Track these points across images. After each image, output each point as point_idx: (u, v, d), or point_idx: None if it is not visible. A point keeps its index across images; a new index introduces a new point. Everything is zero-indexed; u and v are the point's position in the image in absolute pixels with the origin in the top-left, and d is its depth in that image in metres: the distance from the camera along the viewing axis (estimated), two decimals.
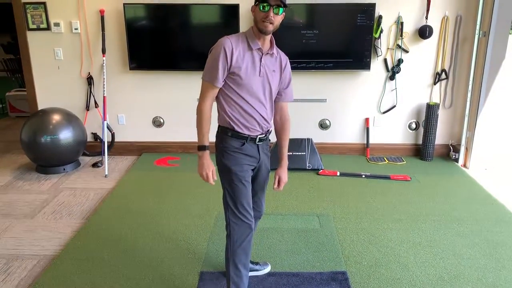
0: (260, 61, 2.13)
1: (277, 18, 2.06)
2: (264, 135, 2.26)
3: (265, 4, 2.02)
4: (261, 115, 2.19)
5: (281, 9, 2.05)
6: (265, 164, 2.35)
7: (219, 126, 2.26)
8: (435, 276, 2.67)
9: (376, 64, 4.52)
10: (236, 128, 2.17)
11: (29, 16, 4.41)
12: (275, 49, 2.21)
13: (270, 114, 2.27)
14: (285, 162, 2.38)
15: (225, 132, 2.20)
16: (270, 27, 2.06)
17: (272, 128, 2.35)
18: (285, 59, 2.28)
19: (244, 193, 2.20)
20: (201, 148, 2.17)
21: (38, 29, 4.46)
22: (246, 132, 2.19)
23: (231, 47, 2.07)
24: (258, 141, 2.24)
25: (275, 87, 2.23)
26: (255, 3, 2.08)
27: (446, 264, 2.78)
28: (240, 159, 2.19)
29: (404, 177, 4.16)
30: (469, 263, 2.80)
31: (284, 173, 2.37)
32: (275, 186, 2.37)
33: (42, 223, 3.33)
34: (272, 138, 2.35)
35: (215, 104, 2.21)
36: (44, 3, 4.37)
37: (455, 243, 3.03)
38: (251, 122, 2.18)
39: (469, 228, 3.24)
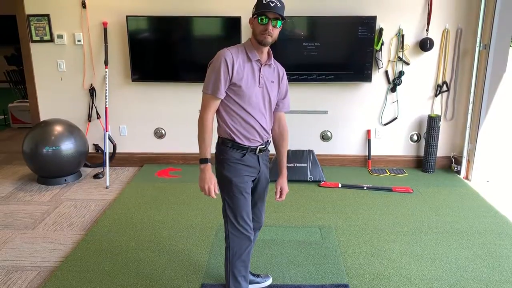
0: (259, 72, 2.16)
1: (275, 31, 2.10)
2: (264, 146, 2.27)
3: (263, 17, 2.05)
4: (261, 125, 2.20)
5: (279, 22, 2.08)
6: (265, 174, 2.35)
7: (219, 137, 2.26)
8: None
9: (377, 76, 4.54)
10: (237, 139, 2.18)
11: (32, 28, 4.45)
12: (273, 60, 2.24)
13: (270, 124, 2.28)
14: (285, 172, 2.39)
15: (226, 143, 2.21)
16: (269, 39, 2.09)
17: (271, 139, 2.36)
18: (282, 70, 2.31)
19: (244, 205, 2.20)
20: (203, 161, 2.16)
21: (42, 41, 4.49)
22: (246, 143, 2.19)
23: (232, 59, 2.08)
24: (258, 152, 2.24)
25: (274, 97, 2.25)
26: (253, 15, 2.11)
27: (448, 277, 2.76)
28: (240, 170, 2.20)
29: (406, 189, 4.15)
30: (472, 276, 2.77)
31: (285, 183, 2.38)
32: (277, 196, 2.37)
33: (42, 235, 3.32)
34: (271, 150, 2.35)
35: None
36: (47, 15, 4.42)
37: (458, 256, 3.01)
38: (251, 132, 2.19)
39: (471, 241, 3.22)
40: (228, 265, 2.23)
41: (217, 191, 2.18)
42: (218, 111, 2.20)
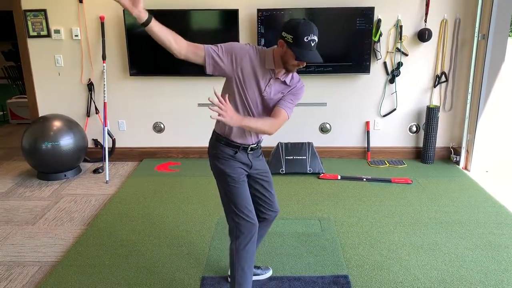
0: (268, 81, 2.13)
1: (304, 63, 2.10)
2: (255, 145, 2.29)
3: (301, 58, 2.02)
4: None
5: None
6: (261, 167, 2.37)
7: (214, 132, 2.28)
8: (438, 279, 2.66)
9: (376, 67, 4.53)
10: (231, 137, 2.20)
11: (29, 23, 4.43)
12: (291, 80, 2.20)
13: None
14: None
15: (219, 139, 2.23)
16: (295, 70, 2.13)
17: (264, 136, 2.36)
18: (298, 87, 2.23)
19: (242, 193, 2.22)
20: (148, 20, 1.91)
21: (39, 36, 4.48)
22: (239, 141, 2.21)
23: (249, 54, 2.07)
24: (250, 150, 2.26)
25: (273, 103, 2.21)
26: (289, 45, 2.02)
27: (448, 267, 2.78)
28: (233, 164, 2.23)
29: (405, 180, 4.16)
30: (472, 266, 2.79)
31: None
32: None
33: (43, 230, 3.33)
34: (270, 142, 2.34)
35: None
36: (44, 11, 4.40)
37: (457, 246, 3.02)
38: (246, 133, 2.21)
39: (470, 231, 3.23)
40: (235, 256, 2.23)
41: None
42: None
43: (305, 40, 2.00)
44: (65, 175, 4.34)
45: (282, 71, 2.13)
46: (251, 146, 2.26)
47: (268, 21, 4.27)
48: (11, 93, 7.78)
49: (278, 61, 2.09)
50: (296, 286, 2.60)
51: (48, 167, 4.22)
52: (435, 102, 4.64)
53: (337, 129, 4.76)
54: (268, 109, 2.21)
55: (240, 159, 2.24)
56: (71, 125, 4.29)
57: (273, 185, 2.45)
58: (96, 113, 4.71)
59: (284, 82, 2.17)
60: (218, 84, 4.55)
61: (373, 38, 4.36)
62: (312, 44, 2.02)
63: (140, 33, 4.37)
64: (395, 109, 4.67)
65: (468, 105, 4.44)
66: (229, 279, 2.55)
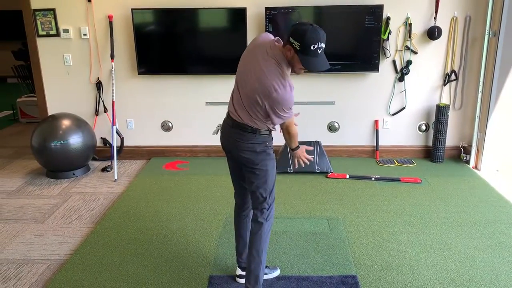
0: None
1: None
2: None
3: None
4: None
5: None
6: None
7: (250, 127, 2.26)
8: (447, 279, 2.63)
9: (385, 65, 4.49)
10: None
11: (38, 22, 4.46)
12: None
13: None
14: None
15: (259, 131, 2.29)
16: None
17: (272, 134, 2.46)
18: None
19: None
20: (297, 148, 2.49)
21: (48, 35, 4.50)
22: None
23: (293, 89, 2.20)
24: None
25: None
26: (297, 52, 2.07)
27: (458, 267, 2.75)
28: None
29: (415, 180, 4.12)
30: (482, 266, 2.75)
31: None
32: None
33: (52, 228, 3.35)
34: (279, 141, 2.36)
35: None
36: (53, 10, 4.42)
37: (467, 246, 2.99)
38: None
39: (481, 231, 3.19)
40: (262, 239, 2.38)
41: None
42: (259, 118, 2.24)
43: (312, 49, 2.04)
44: (73, 174, 4.37)
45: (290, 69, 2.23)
46: None
47: (276, 19, 4.26)
48: (20, 92, 7.84)
49: (287, 65, 2.18)
50: (304, 286, 2.59)
51: (57, 165, 4.25)
52: (445, 100, 4.59)
53: (346, 127, 4.73)
54: None
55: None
56: (80, 124, 4.31)
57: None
58: (105, 112, 4.73)
59: None
60: (225, 83, 4.55)
61: (382, 36, 4.32)
62: (319, 52, 2.07)
63: (148, 32, 4.38)
64: (404, 108, 4.63)
65: (478, 104, 4.39)
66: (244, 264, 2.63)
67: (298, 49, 2.05)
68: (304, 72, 2.20)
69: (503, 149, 4.36)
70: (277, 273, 2.70)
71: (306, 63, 2.07)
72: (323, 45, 2.07)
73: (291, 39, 2.06)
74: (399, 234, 3.17)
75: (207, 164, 4.62)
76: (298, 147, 2.49)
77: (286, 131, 2.39)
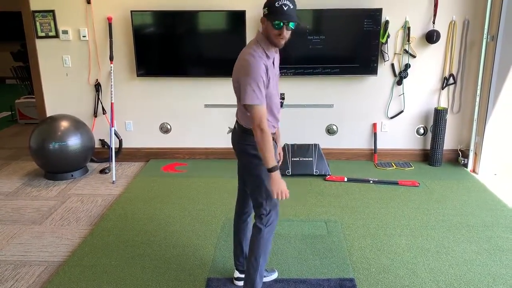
0: (274, 64, 2.23)
1: (289, 33, 2.13)
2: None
3: (278, 22, 2.05)
4: (277, 111, 2.34)
5: (292, 24, 2.10)
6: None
7: (241, 126, 2.29)
8: (445, 283, 2.63)
9: (383, 69, 4.51)
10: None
11: (37, 24, 4.46)
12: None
13: None
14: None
15: (251, 131, 2.23)
16: (283, 42, 2.14)
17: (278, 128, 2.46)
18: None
19: None
20: (274, 168, 2.14)
21: (47, 36, 4.50)
22: (272, 130, 2.33)
23: (265, 69, 2.12)
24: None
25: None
26: (266, 16, 2.10)
27: (455, 271, 2.75)
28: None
29: (413, 183, 4.13)
30: (479, 270, 2.76)
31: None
32: None
33: (50, 229, 3.35)
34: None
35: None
36: (52, 11, 4.42)
37: (465, 250, 3.00)
38: (276, 118, 2.34)
39: (478, 234, 3.20)
40: (261, 244, 2.32)
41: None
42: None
43: (277, 6, 2.05)
44: (72, 175, 4.36)
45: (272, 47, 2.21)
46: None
47: None
48: (19, 93, 7.84)
49: (268, 42, 2.16)
50: None
51: (55, 167, 4.25)
52: (443, 104, 4.61)
53: (344, 130, 4.74)
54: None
55: None
56: (78, 125, 4.31)
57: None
58: (103, 113, 4.72)
59: (276, 51, 2.27)
60: (224, 86, 4.56)
61: (380, 39, 4.34)
62: (285, 8, 2.05)
63: (148, 34, 4.38)
64: (402, 111, 4.64)
65: (476, 107, 4.40)
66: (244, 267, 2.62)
67: (267, 12, 2.08)
68: (280, 37, 2.11)
69: (501, 152, 4.38)
70: (275, 275, 2.70)
71: (272, 19, 2.05)
72: (288, 3, 2.06)
73: (263, 11, 2.13)
74: (397, 237, 3.17)
75: (205, 167, 4.62)
76: (276, 167, 2.13)
77: (258, 127, 2.09)
